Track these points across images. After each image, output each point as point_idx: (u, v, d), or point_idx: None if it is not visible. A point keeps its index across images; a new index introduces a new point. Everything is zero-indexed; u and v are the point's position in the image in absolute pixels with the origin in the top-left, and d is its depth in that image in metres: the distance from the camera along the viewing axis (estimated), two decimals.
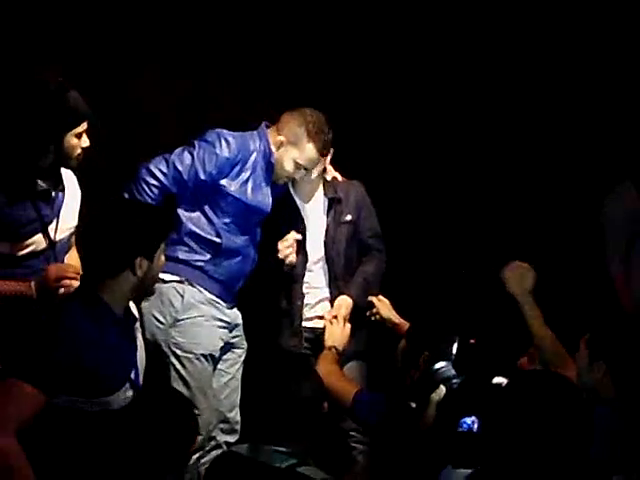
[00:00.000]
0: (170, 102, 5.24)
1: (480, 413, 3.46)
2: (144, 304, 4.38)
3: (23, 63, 4.74)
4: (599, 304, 4.63)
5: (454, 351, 3.76)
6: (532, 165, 5.51)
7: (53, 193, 4.02)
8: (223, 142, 4.45)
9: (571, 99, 5.43)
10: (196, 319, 4.45)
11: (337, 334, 4.27)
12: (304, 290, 4.77)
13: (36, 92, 3.93)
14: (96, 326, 3.19)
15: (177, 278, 4.46)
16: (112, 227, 3.24)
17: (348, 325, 4.45)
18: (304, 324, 4.78)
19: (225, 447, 4.48)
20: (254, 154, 4.51)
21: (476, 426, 3.48)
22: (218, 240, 4.48)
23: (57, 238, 4.03)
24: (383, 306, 4.55)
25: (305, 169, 4.58)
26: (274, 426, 3.22)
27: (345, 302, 4.69)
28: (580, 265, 5.22)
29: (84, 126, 4.00)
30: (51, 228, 4.01)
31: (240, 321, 4.67)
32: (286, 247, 4.60)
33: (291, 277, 4.74)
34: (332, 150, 4.72)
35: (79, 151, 4.02)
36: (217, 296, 4.51)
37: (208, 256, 4.49)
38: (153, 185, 4.40)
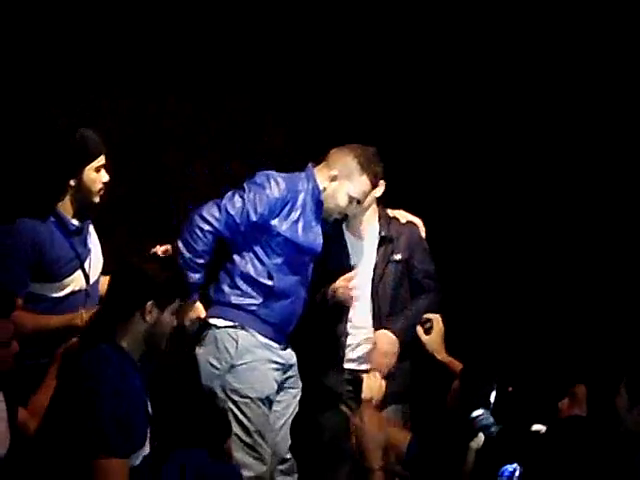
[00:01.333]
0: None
1: (520, 461, 3.42)
2: (199, 350, 4.49)
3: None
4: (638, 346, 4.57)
5: (492, 399, 3.72)
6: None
7: (83, 232, 4.14)
8: (273, 183, 4.49)
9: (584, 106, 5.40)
10: (251, 364, 4.48)
11: (375, 387, 4.25)
12: (350, 330, 4.75)
13: (44, 132, 4.09)
14: (123, 374, 3.28)
15: (230, 323, 4.51)
16: (128, 270, 3.37)
17: (383, 382, 4.46)
18: (346, 365, 4.77)
19: None
20: (302, 194, 4.54)
21: (517, 474, 3.45)
22: (270, 282, 4.50)
23: (92, 275, 4.13)
24: (436, 336, 4.45)
25: (358, 202, 4.59)
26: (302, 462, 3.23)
27: (384, 337, 4.67)
28: (622, 305, 5.14)
29: (101, 161, 4.11)
30: (87, 265, 4.11)
31: (294, 361, 4.69)
32: (347, 280, 4.57)
33: (336, 315, 4.73)
34: (384, 184, 4.73)
35: (100, 186, 4.12)
36: (270, 339, 4.53)
37: (260, 299, 4.51)
38: (207, 231, 4.44)
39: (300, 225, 4.53)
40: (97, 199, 4.15)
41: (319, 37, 5.48)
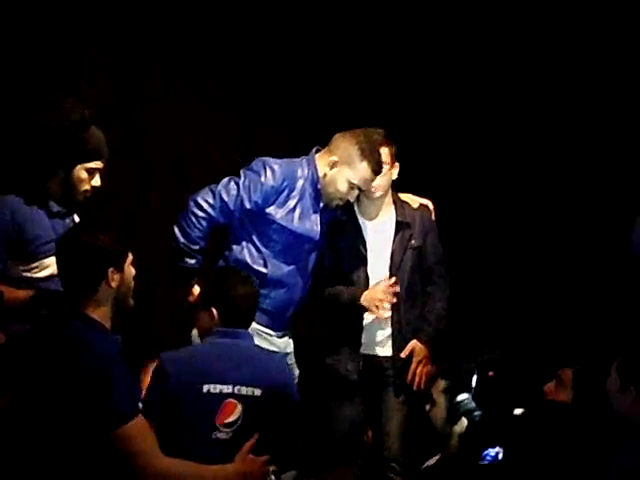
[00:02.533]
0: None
1: (503, 445, 3.37)
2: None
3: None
4: (630, 329, 4.50)
5: (473, 384, 3.67)
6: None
7: (67, 219, 4.07)
8: (268, 170, 4.45)
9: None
10: None
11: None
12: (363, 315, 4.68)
13: (57, 118, 3.97)
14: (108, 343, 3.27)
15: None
16: (81, 246, 3.30)
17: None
18: (361, 351, 4.69)
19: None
20: (301, 181, 4.50)
21: (500, 457, 3.40)
22: (264, 270, 4.46)
23: None
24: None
25: (359, 189, 4.52)
26: (316, 452, 3.35)
27: (417, 347, 4.66)
28: (613, 291, 5.12)
29: (98, 164, 4.05)
30: None
31: (291, 349, 4.64)
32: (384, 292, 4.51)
33: (353, 300, 4.63)
34: (398, 166, 4.68)
35: (87, 187, 4.05)
36: (266, 326, 4.48)
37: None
38: (202, 217, 4.43)
39: (297, 213, 4.48)
40: (80, 198, 4.07)
41: (318, 37, 5.52)
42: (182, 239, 4.43)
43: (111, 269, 3.29)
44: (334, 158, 4.49)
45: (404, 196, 4.81)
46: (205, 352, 3.91)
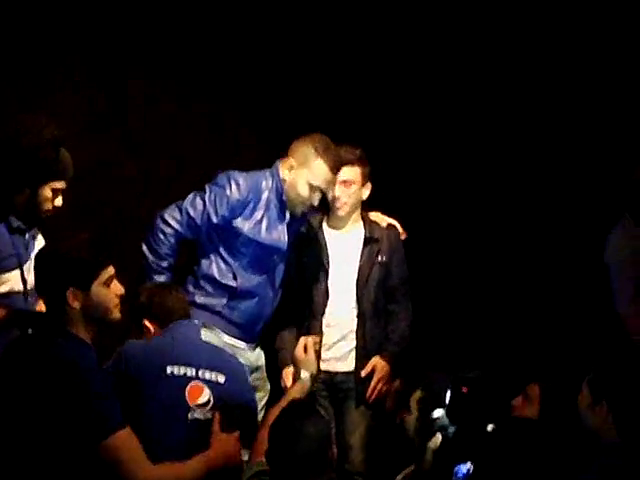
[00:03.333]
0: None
1: (475, 460, 3.42)
2: None
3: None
4: (602, 344, 4.57)
5: (447, 400, 3.73)
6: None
7: (27, 235, 4.03)
8: (233, 184, 4.51)
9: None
10: None
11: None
12: (326, 330, 4.75)
13: (29, 136, 3.94)
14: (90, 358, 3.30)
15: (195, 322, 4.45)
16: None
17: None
18: (323, 366, 4.70)
19: None
20: (266, 192, 4.57)
21: (471, 473, 3.45)
22: (234, 284, 4.52)
23: (29, 280, 3.97)
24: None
25: (320, 191, 4.57)
26: (279, 466, 3.35)
27: (380, 365, 4.75)
28: (585, 304, 5.15)
29: (63, 184, 4.02)
30: (26, 269, 3.99)
31: (262, 363, 4.71)
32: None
33: (311, 313, 4.73)
34: (370, 186, 4.76)
35: (49, 207, 4.02)
36: (237, 338, 4.54)
37: (225, 300, 4.53)
38: (169, 234, 4.48)
39: (264, 224, 4.55)
40: (42, 216, 4.06)
41: (305, 45, 5.56)
42: (151, 256, 4.48)
43: (70, 289, 3.27)
44: (292, 161, 4.56)
45: (373, 215, 4.88)
46: (164, 339, 3.89)
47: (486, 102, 5.54)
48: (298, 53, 5.51)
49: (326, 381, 4.77)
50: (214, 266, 4.54)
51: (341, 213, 4.76)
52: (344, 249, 4.81)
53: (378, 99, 5.60)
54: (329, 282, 4.75)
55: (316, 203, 4.63)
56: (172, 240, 4.48)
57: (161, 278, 4.47)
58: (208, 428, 3.58)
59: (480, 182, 5.60)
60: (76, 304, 3.28)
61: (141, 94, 5.27)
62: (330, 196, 4.71)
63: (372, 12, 5.59)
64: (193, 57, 5.34)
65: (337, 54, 5.57)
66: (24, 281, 4.02)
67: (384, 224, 4.87)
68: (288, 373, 4.59)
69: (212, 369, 3.81)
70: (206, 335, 4.42)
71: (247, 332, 4.58)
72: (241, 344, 4.57)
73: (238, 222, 4.52)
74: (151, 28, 5.24)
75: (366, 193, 4.81)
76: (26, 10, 4.95)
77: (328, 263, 4.76)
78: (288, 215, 4.63)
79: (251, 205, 4.52)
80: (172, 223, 4.48)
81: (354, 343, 4.76)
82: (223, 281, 4.52)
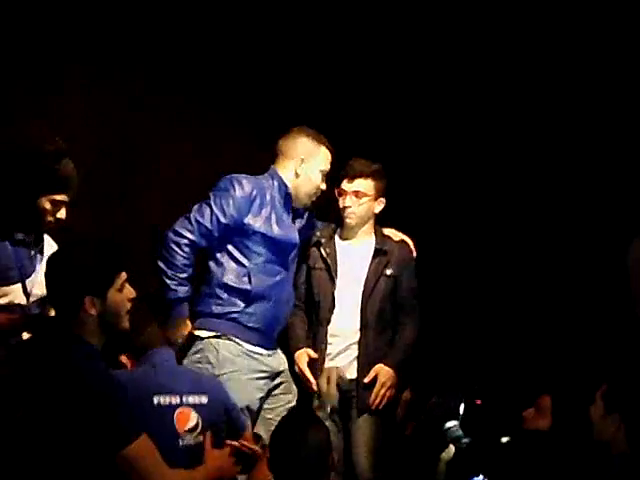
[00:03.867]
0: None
1: (488, 472, 3.45)
2: (185, 361, 4.49)
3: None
4: (618, 355, 4.58)
5: (461, 411, 3.75)
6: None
7: (32, 251, 3.99)
8: (236, 184, 4.56)
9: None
10: (232, 374, 4.47)
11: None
12: (331, 340, 4.80)
13: (31, 144, 3.90)
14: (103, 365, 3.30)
15: (213, 333, 4.53)
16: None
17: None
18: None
19: None
20: (269, 191, 4.61)
21: None
22: (248, 287, 4.52)
23: (33, 294, 3.96)
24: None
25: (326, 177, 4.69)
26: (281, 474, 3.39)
27: (383, 371, 4.76)
28: (601, 315, 5.16)
29: (64, 197, 3.95)
30: (30, 282, 3.96)
31: (285, 367, 4.70)
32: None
33: (317, 321, 4.80)
34: (384, 201, 4.86)
35: (50, 219, 3.95)
36: (256, 344, 4.55)
37: (241, 306, 4.54)
38: (184, 244, 4.48)
39: (273, 220, 4.58)
40: (43, 229, 4.02)
41: (307, 50, 5.60)
42: (169, 271, 4.47)
43: (88, 297, 3.24)
44: (300, 156, 4.64)
45: (387, 230, 4.95)
46: (144, 371, 3.88)
47: (500, 117, 5.59)
48: (295, 57, 5.58)
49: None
50: (228, 271, 4.56)
51: (349, 222, 4.84)
52: (353, 260, 4.87)
53: (379, 104, 5.66)
54: (336, 292, 4.81)
55: (324, 188, 4.71)
56: (187, 250, 4.48)
57: (183, 289, 4.48)
58: (200, 452, 3.61)
59: (491, 197, 5.65)
60: (93, 311, 3.27)
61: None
62: (340, 205, 4.82)
63: (373, 15, 5.63)
64: (182, 58, 5.43)
65: (335, 61, 5.64)
66: (27, 294, 3.96)
67: (396, 239, 4.92)
68: (300, 356, 4.76)
69: (194, 392, 3.86)
70: (227, 347, 4.53)
71: (265, 337, 4.60)
72: (261, 350, 4.58)
73: (249, 220, 4.55)
74: (140, 32, 5.30)
75: (379, 207, 4.90)
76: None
77: (336, 273, 4.82)
78: (291, 214, 4.69)
79: (257, 202, 4.56)
80: (185, 233, 4.49)
81: (357, 352, 4.80)
82: (238, 285, 4.53)
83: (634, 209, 4.91)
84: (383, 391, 4.74)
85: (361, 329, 4.78)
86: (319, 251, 4.86)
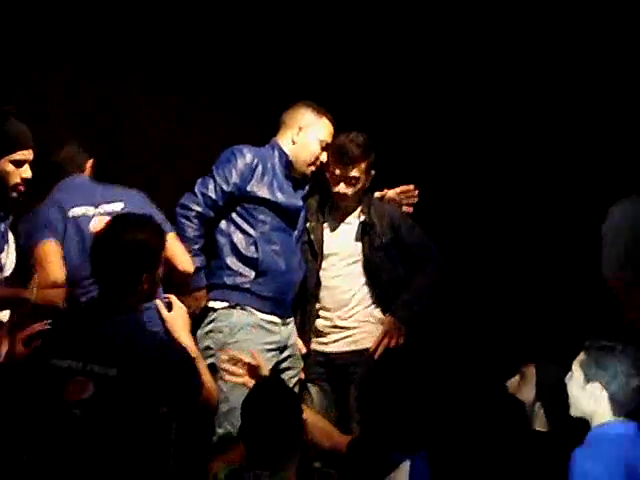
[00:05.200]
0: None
1: None
2: (199, 333, 4.55)
3: None
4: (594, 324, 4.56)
5: None
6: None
7: (2, 224, 4.04)
8: (237, 153, 4.66)
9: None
10: (243, 343, 4.49)
11: None
12: (322, 313, 4.80)
13: None
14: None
15: (227, 304, 4.60)
16: (122, 247, 3.45)
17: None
18: (319, 348, 4.80)
19: None
20: (270, 160, 4.69)
21: None
22: (256, 255, 4.58)
23: (6, 268, 4.02)
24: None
25: (326, 146, 4.71)
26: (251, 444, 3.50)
27: (387, 320, 4.75)
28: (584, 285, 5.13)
29: (24, 154, 3.96)
30: (3, 256, 4.02)
31: (293, 341, 4.73)
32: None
33: (305, 297, 4.78)
34: (373, 172, 4.82)
35: (17, 180, 3.96)
36: (269, 313, 4.59)
37: (253, 275, 4.59)
38: (192, 216, 4.57)
39: (276, 186, 4.65)
40: (14, 195, 4.00)
41: (301, 39, 5.59)
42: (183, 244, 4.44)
43: (145, 275, 3.45)
44: (299, 124, 4.72)
45: (377, 194, 4.92)
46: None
47: (497, 108, 5.58)
48: (284, 49, 5.59)
49: (325, 363, 4.80)
50: (236, 241, 4.60)
51: (343, 204, 4.82)
52: (343, 234, 4.84)
53: (377, 94, 5.65)
54: (322, 267, 4.78)
55: (325, 160, 4.73)
56: (196, 221, 4.55)
57: (198, 260, 4.52)
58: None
59: (481, 187, 5.66)
60: (147, 287, 3.48)
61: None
62: (334, 189, 4.78)
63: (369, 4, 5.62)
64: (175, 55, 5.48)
65: (331, 50, 5.62)
66: (1, 268, 4.00)
67: (385, 201, 4.88)
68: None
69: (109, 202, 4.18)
70: (239, 316, 4.55)
71: (279, 305, 4.63)
72: (276, 319, 4.61)
73: (253, 187, 4.61)
74: (130, 30, 5.34)
75: (369, 180, 4.84)
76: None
77: (321, 250, 4.79)
78: (292, 183, 4.72)
79: (259, 169, 4.62)
80: (192, 206, 4.56)
81: (351, 325, 4.77)
82: (247, 254, 4.58)
83: None
84: (386, 340, 4.69)
85: (377, 304, 4.76)
86: (307, 226, 4.83)
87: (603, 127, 5.35)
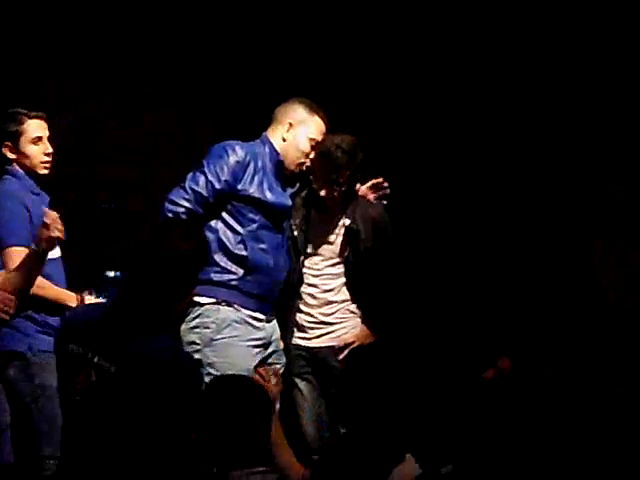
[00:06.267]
0: None
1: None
2: (183, 327, 4.45)
3: None
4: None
5: None
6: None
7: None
8: (229, 150, 4.51)
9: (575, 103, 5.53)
10: (230, 339, 4.45)
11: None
12: (304, 308, 4.81)
13: None
14: None
15: (213, 300, 4.47)
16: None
17: None
18: (303, 343, 4.81)
19: None
20: (261, 157, 4.57)
21: None
22: (245, 253, 4.49)
23: None
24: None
25: (316, 144, 4.64)
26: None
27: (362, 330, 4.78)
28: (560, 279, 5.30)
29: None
30: None
31: (277, 335, 4.70)
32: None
33: (288, 292, 4.75)
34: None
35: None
36: (254, 310, 4.53)
37: (241, 272, 4.49)
38: (181, 213, 4.40)
39: (265, 186, 4.54)
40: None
41: (286, 40, 5.56)
42: None
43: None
44: (289, 120, 4.61)
45: (361, 192, 4.88)
46: None
47: (485, 102, 5.61)
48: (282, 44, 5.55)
49: (308, 358, 4.82)
50: (224, 238, 4.48)
51: (329, 205, 4.77)
52: (325, 234, 4.82)
53: (363, 96, 5.64)
54: (305, 265, 4.79)
55: (312, 156, 4.66)
56: (185, 218, 4.39)
57: None
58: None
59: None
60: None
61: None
62: (322, 194, 4.71)
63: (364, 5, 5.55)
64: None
65: (320, 58, 5.60)
66: None
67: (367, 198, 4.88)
68: None
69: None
70: (226, 312, 4.49)
71: (264, 302, 4.57)
72: (260, 316, 4.56)
73: (242, 186, 4.49)
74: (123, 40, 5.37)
75: (355, 182, 4.80)
76: None
77: (304, 247, 4.79)
78: (281, 182, 4.63)
79: (251, 167, 4.50)
80: (181, 202, 4.41)
81: (334, 321, 4.81)
82: (235, 252, 4.48)
83: None
84: (352, 343, 4.76)
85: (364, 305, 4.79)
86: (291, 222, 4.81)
87: (596, 128, 5.43)
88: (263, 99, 5.19)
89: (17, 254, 4.15)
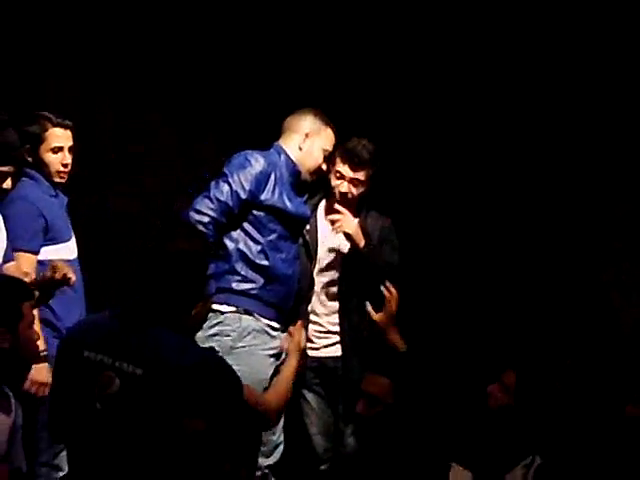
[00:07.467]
0: None
1: None
2: (200, 335, 4.28)
3: None
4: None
5: None
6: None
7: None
8: (252, 159, 4.56)
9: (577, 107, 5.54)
10: (251, 348, 4.51)
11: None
12: (312, 318, 4.90)
13: None
14: None
15: (234, 308, 4.53)
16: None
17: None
18: (312, 353, 4.88)
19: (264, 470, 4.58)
20: (279, 167, 4.63)
21: None
22: (266, 262, 4.55)
23: None
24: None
25: (328, 155, 4.75)
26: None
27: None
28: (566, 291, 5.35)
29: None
30: None
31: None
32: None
33: (299, 298, 4.80)
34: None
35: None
36: (272, 319, 4.58)
37: (261, 281, 4.55)
38: (208, 222, 4.43)
39: (285, 196, 4.60)
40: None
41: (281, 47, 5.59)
42: None
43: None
44: (306, 130, 4.67)
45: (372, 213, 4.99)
46: None
47: (485, 104, 5.62)
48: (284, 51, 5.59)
49: (317, 368, 4.91)
50: (244, 248, 4.53)
51: (339, 205, 4.86)
52: (334, 240, 4.93)
53: (363, 106, 5.65)
54: (315, 271, 4.88)
55: (325, 168, 4.78)
56: (212, 228, 4.44)
57: (212, 266, 4.26)
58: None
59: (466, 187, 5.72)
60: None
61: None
62: (337, 188, 4.88)
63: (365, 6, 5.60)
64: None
65: (319, 62, 5.63)
66: None
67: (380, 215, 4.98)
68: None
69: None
70: (247, 321, 4.54)
71: (281, 312, 4.62)
72: (276, 325, 4.60)
73: (265, 195, 4.54)
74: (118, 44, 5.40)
75: (367, 190, 4.93)
76: None
77: (315, 252, 4.88)
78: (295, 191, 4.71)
79: (272, 178, 4.56)
80: (207, 212, 4.45)
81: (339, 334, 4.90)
82: (256, 261, 4.54)
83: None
84: None
85: (341, 310, 4.88)
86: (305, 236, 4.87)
87: (597, 129, 5.45)
88: (265, 112, 5.31)
89: (24, 259, 4.26)
